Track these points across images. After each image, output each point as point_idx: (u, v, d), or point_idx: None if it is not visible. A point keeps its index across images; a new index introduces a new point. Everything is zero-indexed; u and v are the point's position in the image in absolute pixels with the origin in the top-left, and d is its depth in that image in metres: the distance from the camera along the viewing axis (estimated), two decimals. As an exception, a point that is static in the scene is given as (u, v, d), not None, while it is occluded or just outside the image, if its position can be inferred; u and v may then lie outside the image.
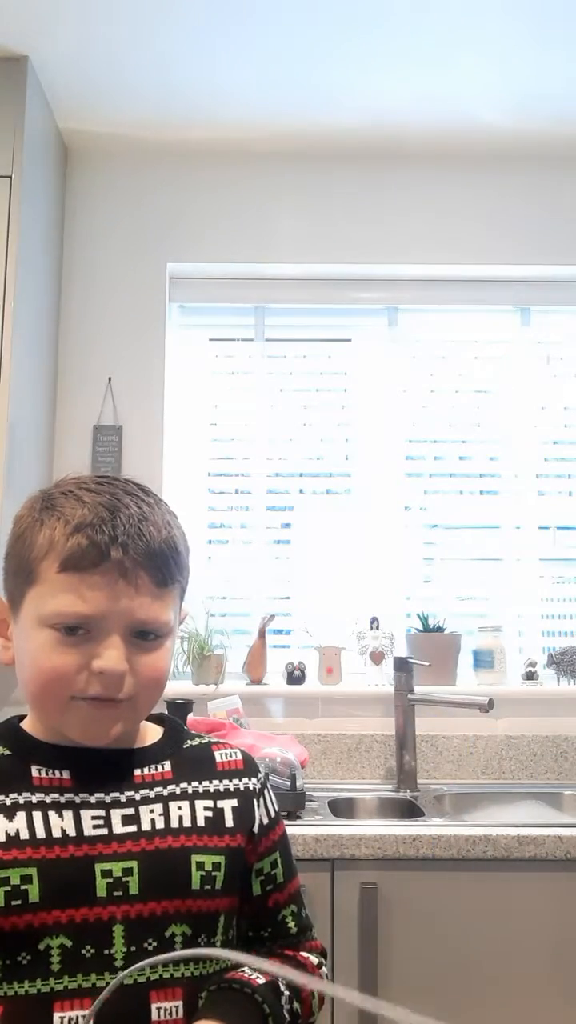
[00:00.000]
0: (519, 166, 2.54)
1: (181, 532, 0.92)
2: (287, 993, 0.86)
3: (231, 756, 0.97)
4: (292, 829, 1.03)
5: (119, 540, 0.83)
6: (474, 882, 1.61)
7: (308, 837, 1.60)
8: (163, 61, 2.16)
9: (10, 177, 2.07)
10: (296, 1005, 0.87)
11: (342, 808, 1.96)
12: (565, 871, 1.62)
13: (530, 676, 2.34)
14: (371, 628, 2.36)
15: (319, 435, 2.58)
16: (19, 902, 0.80)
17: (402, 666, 2.17)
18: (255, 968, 0.86)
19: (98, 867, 0.83)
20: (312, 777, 2.19)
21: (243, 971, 0.85)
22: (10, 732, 0.92)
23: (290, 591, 2.51)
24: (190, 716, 2.03)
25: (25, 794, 0.85)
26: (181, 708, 2.04)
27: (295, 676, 2.32)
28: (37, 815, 0.84)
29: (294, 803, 1.71)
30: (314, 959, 0.95)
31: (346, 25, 2.03)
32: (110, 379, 2.45)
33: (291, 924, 0.96)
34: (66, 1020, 0.79)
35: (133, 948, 0.82)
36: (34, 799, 0.85)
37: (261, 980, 0.84)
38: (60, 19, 2.01)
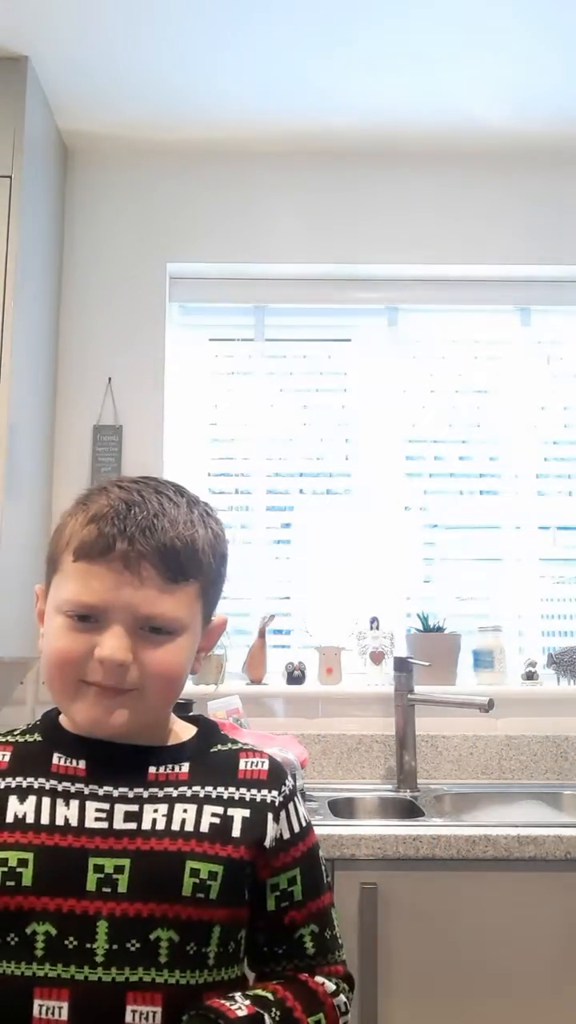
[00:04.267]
0: (519, 166, 2.54)
1: (209, 533, 0.92)
2: None
3: (256, 765, 0.95)
4: (292, 829, 1.02)
5: (127, 532, 0.86)
6: (474, 882, 1.61)
7: (308, 837, 1.60)
8: (163, 61, 2.16)
9: (10, 177, 2.07)
10: None
11: (342, 808, 1.96)
12: (565, 871, 1.61)
13: (530, 676, 2.34)
14: (371, 628, 2.35)
15: (319, 435, 2.58)
16: (12, 883, 0.82)
17: (402, 666, 2.17)
18: (247, 996, 0.83)
19: (91, 860, 0.83)
20: (312, 777, 2.19)
21: (229, 999, 0.82)
22: (47, 722, 0.95)
23: (290, 591, 2.51)
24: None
25: (41, 780, 0.88)
26: (181, 708, 2.03)
27: (295, 676, 2.31)
28: (47, 801, 0.86)
29: (294, 803, 1.71)
30: (330, 985, 0.90)
31: (346, 25, 2.03)
32: (110, 379, 2.45)
33: (308, 944, 0.92)
34: (44, 1009, 0.79)
35: (115, 946, 0.81)
36: (48, 785, 0.87)
37: (243, 1012, 0.81)
38: (60, 19, 2.01)
